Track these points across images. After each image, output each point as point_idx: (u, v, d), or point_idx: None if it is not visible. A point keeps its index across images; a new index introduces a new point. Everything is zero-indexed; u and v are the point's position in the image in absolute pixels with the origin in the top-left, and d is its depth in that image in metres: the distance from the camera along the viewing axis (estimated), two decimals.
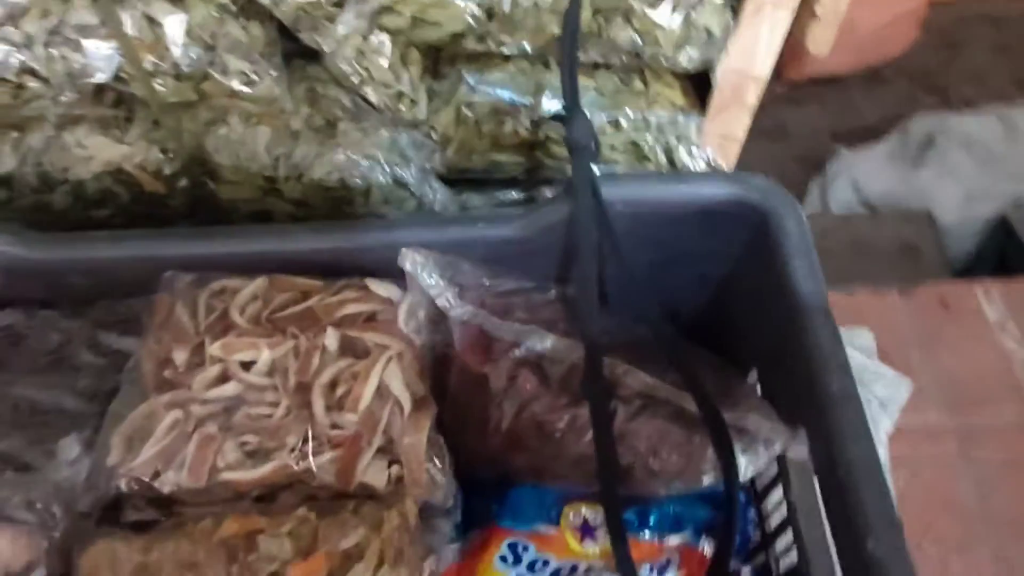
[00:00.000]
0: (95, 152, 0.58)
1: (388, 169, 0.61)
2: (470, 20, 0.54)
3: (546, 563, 0.45)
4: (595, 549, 0.45)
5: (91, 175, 0.58)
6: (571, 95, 0.44)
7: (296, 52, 0.59)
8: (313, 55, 0.60)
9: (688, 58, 0.58)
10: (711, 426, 0.39)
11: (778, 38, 0.57)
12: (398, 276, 0.50)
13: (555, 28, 0.56)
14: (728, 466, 0.38)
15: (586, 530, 0.46)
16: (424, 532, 0.44)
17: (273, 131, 0.59)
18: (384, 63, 0.58)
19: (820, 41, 0.58)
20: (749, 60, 0.59)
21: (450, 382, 0.47)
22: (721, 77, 0.60)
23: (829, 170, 1.42)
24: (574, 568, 0.44)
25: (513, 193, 0.71)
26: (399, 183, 0.61)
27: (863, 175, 1.39)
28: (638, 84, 0.64)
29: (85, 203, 0.59)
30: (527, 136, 0.63)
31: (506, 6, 0.54)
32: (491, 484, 0.49)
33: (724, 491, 0.40)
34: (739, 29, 0.57)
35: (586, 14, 0.55)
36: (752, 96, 0.61)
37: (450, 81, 0.63)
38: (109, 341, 0.48)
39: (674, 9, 0.55)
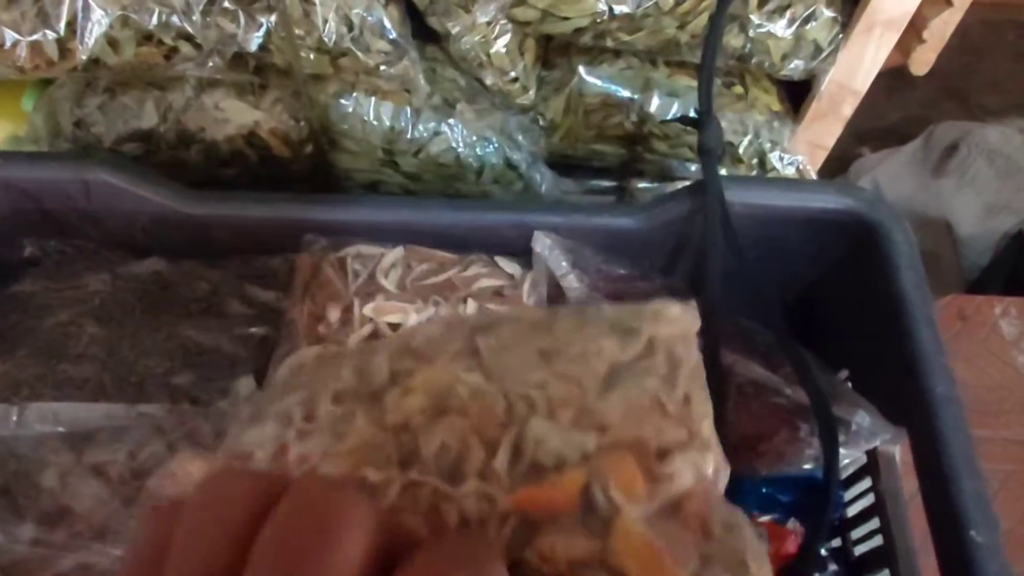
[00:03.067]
0: (231, 115, 0.61)
1: (501, 150, 0.64)
2: (596, 17, 0.57)
3: None
4: None
5: (224, 136, 0.62)
6: (706, 101, 0.47)
7: (414, 33, 0.63)
8: (430, 36, 0.63)
9: (793, 68, 0.62)
10: (820, 418, 0.43)
11: (882, 57, 0.60)
12: (517, 254, 0.54)
13: (672, 30, 0.59)
14: (832, 457, 0.43)
15: None
16: None
17: (396, 107, 0.63)
18: (503, 50, 0.61)
19: (921, 63, 0.61)
20: (851, 74, 0.62)
21: None
22: (822, 88, 0.63)
23: (852, 171, 1.44)
24: None
25: (604, 182, 0.74)
26: (510, 165, 0.65)
27: (884, 179, 1.40)
28: (738, 88, 0.67)
29: (216, 162, 0.63)
30: (631, 130, 0.66)
31: (630, 6, 0.57)
32: None
33: (824, 479, 0.44)
34: (847, 44, 0.60)
35: (702, 19, 0.59)
36: (849, 108, 0.64)
37: (561, 71, 0.67)
38: (254, 293, 0.52)
39: (789, 22, 0.58)
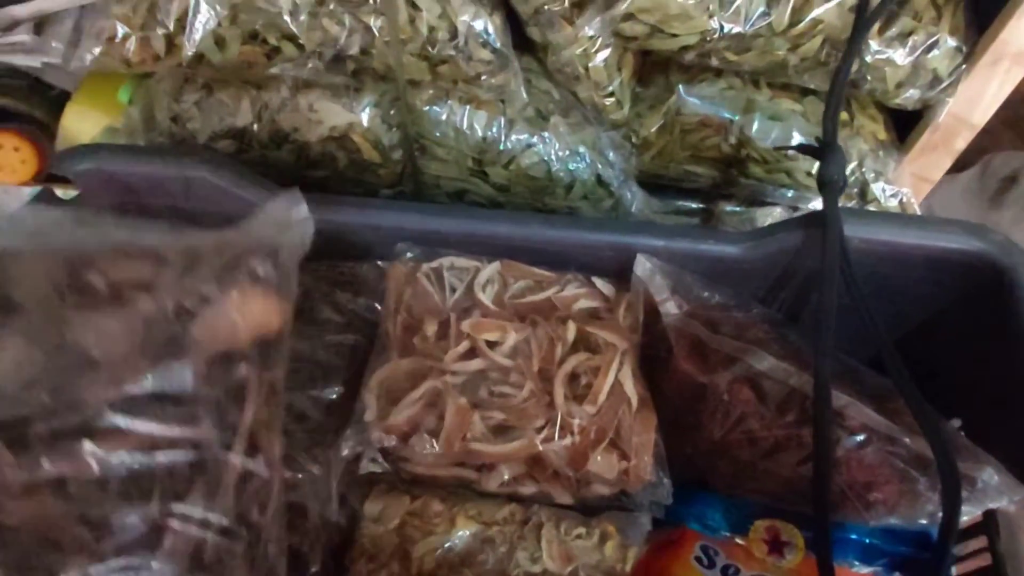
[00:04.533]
0: (324, 117, 0.61)
1: (593, 166, 0.63)
2: (706, 35, 0.56)
3: (737, 571, 0.47)
4: (784, 565, 0.47)
5: (316, 138, 0.61)
6: (832, 131, 0.45)
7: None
8: (525, 47, 0.62)
9: (907, 97, 0.59)
10: (944, 473, 0.40)
11: (1006, 91, 0.57)
12: (610, 274, 0.53)
13: (783, 52, 0.57)
14: (952, 514, 0.40)
15: (776, 546, 0.48)
16: (627, 523, 0.47)
17: (489, 116, 0.62)
18: (602, 64, 0.60)
19: None
20: (970, 108, 0.59)
21: (664, 385, 0.49)
22: (939, 119, 0.60)
23: None
24: None
25: (689, 203, 0.72)
26: (601, 181, 0.63)
27: (939, 206, 1.35)
28: (844, 114, 0.64)
29: (305, 162, 0.63)
30: (728, 152, 0.64)
31: (742, 25, 0.55)
32: (676, 484, 0.51)
33: (940, 537, 0.41)
34: (969, 76, 0.57)
35: (816, 42, 0.56)
36: (962, 142, 0.61)
37: (657, 88, 0.65)
38: (344, 300, 0.51)
39: (910, 50, 0.56)
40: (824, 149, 0.46)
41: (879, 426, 0.44)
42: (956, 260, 0.48)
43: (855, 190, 0.65)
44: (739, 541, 0.48)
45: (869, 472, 0.44)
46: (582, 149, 0.62)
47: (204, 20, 0.51)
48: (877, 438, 0.43)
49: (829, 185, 0.45)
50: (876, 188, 0.64)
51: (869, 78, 0.58)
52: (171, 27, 0.51)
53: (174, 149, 0.59)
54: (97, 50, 0.50)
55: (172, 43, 0.52)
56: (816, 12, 0.53)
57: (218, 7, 0.51)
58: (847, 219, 0.46)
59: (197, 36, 0.52)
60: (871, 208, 0.64)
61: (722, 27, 0.55)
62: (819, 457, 0.43)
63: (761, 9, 0.53)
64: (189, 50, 0.52)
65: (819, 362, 0.43)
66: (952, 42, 0.55)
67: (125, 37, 0.51)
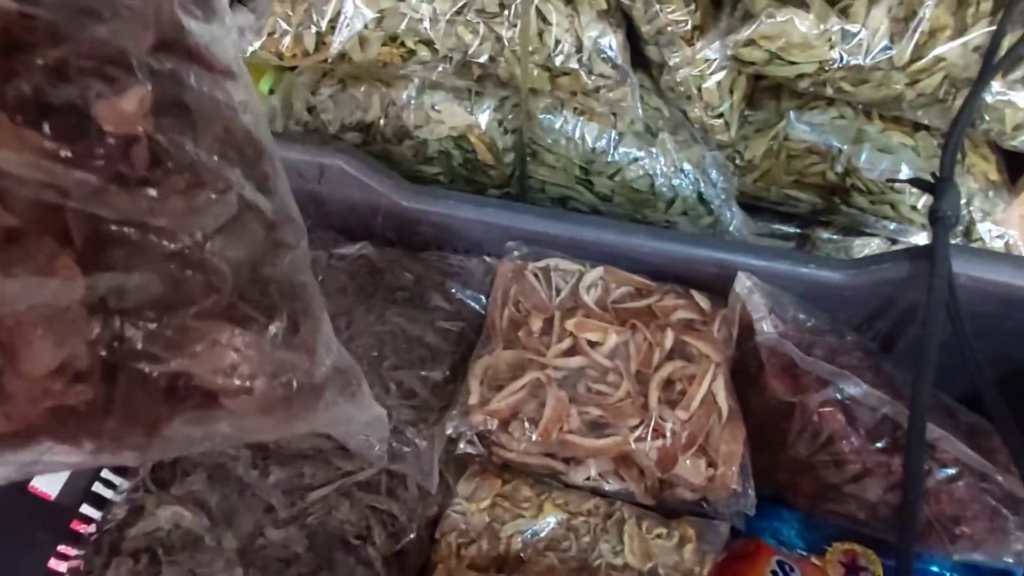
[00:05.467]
0: (446, 117, 0.65)
1: (696, 184, 0.64)
2: (825, 65, 0.57)
3: None
4: None
5: (436, 136, 0.65)
6: (949, 167, 0.46)
7: None
8: (638, 64, 0.64)
9: None
10: None
11: None
12: (707, 289, 0.54)
13: (900, 87, 0.58)
14: None
15: (854, 570, 0.49)
16: (706, 529, 0.49)
17: (600, 128, 0.64)
18: (715, 85, 0.62)
19: None
20: None
21: (750, 400, 0.51)
22: None
23: None
24: None
25: (786, 227, 0.73)
26: (702, 199, 0.65)
27: None
28: None
29: (421, 159, 0.67)
30: (833, 180, 0.65)
31: (863, 58, 0.56)
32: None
33: None
34: None
35: (935, 78, 0.57)
36: None
37: (767, 113, 0.66)
38: (454, 289, 0.55)
39: None
40: (939, 184, 0.46)
41: (972, 461, 0.44)
42: None
43: (960, 228, 0.65)
44: (815, 561, 0.49)
45: (958, 506, 0.44)
46: (687, 167, 0.64)
47: (353, 21, 0.55)
48: (969, 473, 0.44)
49: (941, 221, 0.46)
50: (982, 228, 0.64)
51: (987, 118, 0.58)
52: (324, 27, 0.56)
53: (310, 138, 0.64)
54: (257, 43, 0.56)
55: (322, 41, 0.57)
56: (939, 50, 0.53)
57: (367, 11, 0.55)
58: (956, 256, 0.47)
59: (344, 36, 0.56)
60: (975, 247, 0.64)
61: (842, 58, 0.56)
62: (909, 486, 0.43)
63: (884, 43, 0.53)
64: (335, 48, 0.57)
65: (917, 393, 0.44)
66: None
67: (283, 33, 0.56)
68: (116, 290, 0.16)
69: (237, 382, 0.18)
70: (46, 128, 0.15)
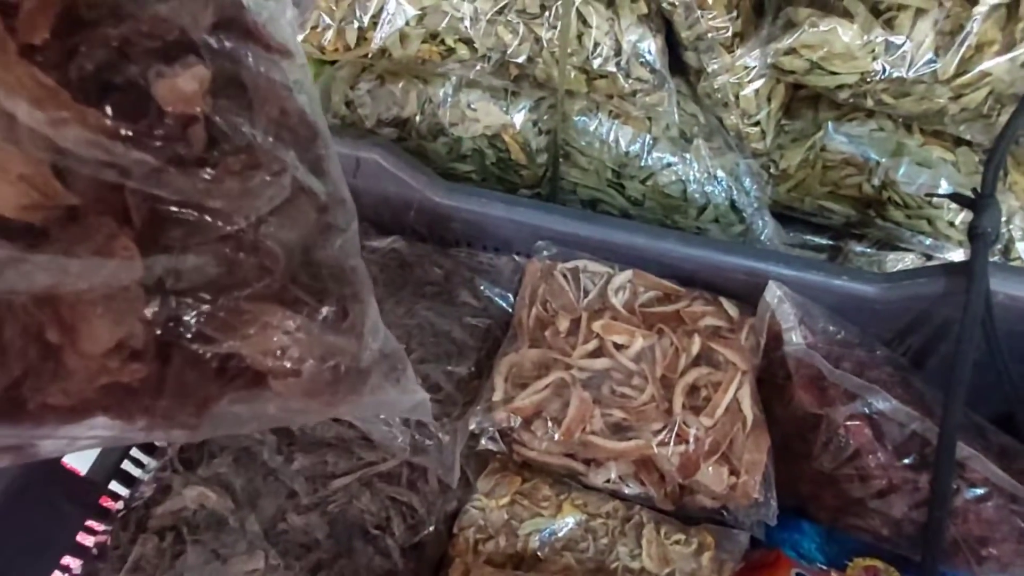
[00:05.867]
0: (481, 116, 0.65)
1: (728, 191, 0.64)
2: (867, 76, 0.56)
3: None
4: None
5: (470, 135, 0.66)
6: (991, 184, 0.45)
7: None
8: (674, 70, 0.64)
9: None
10: None
11: None
12: (735, 297, 0.54)
13: (943, 100, 0.57)
14: None
15: None
16: (725, 538, 0.49)
17: (634, 132, 0.64)
18: (753, 93, 0.61)
19: None
20: None
21: (775, 410, 0.50)
22: None
23: None
24: None
25: (818, 238, 0.72)
26: (734, 207, 0.64)
27: None
28: None
29: (456, 156, 0.67)
30: (869, 193, 0.64)
31: (906, 71, 0.55)
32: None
33: None
34: None
35: (980, 93, 0.56)
36: None
37: (804, 123, 0.66)
38: (482, 286, 0.55)
39: None
40: (980, 200, 0.46)
41: (1002, 482, 0.43)
42: None
43: (998, 246, 0.63)
44: (834, 575, 0.49)
45: (986, 527, 0.43)
46: (720, 174, 0.64)
47: (395, 18, 0.56)
48: (999, 494, 0.43)
49: (981, 237, 0.45)
50: (1021, 247, 0.62)
51: None
52: (366, 22, 0.57)
53: (347, 131, 0.64)
54: (300, 36, 0.56)
55: (363, 36, 0.58)
56: (985, 64, 0.53)
57: (409, 8, 0.56)
58: (994, 273, 0.46)
59: (386, 32, 0.57)
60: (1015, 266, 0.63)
61: (884, 69, 0.56)
62: (936, 504, 0.43)
63: (928, 56, 0.53)
64: (376, 44, 0.58)
65: (948, 410, 0.44)
66: None
67: (326, 28, 0.57)
68: (172, 271, 0.16)
69: (286, 364, 0.19)
70: (107, 107, 0.15)
